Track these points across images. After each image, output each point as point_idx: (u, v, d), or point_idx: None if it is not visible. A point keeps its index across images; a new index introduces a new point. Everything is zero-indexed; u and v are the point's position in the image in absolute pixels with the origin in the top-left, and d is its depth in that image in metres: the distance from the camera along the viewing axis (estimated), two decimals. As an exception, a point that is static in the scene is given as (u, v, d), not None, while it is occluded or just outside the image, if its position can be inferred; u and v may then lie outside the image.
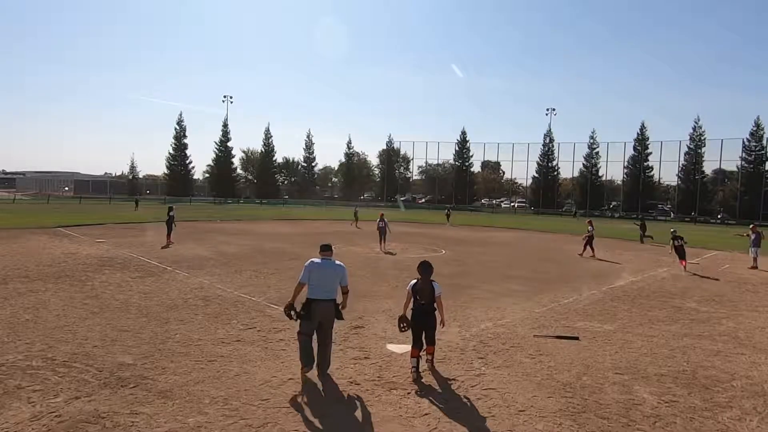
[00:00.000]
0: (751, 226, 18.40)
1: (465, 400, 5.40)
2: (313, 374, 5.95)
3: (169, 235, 19.11)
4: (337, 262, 6.25)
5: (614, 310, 9.99)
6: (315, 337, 5.99)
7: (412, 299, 6.09)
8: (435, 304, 6.05)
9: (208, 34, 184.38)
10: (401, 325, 6.15)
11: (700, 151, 62.11)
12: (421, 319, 6.03)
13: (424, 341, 6.12)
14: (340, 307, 6.08)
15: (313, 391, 5.50)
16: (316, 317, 5.85)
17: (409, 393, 5.53)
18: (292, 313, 5.97)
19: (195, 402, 5.10)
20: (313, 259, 6.13)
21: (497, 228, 34.65)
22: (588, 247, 19.40)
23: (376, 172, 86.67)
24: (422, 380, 5.89)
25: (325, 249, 6.23)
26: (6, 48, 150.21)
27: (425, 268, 6.04)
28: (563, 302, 10.64)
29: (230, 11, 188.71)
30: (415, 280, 6.11)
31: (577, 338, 7.85)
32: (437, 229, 30.12)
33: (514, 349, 7.23)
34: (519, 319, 9.08)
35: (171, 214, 19.58)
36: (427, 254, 18.51)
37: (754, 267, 16.72)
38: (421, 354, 6.14)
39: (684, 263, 16.04)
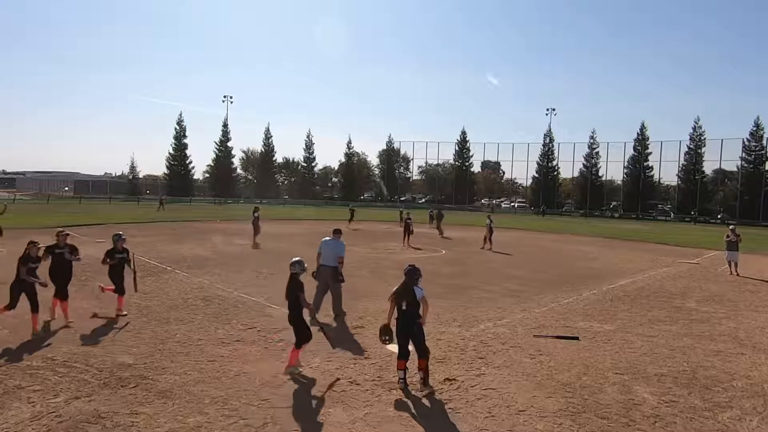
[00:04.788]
0: (731, 227, 16.65)
1: (465, 400, 5.41)
2: (314, 373, 5.97)
3: (256, 235, 20.00)
4: (340, 240, 8.71)
5: (614, 310, 9.99)
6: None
7: (396, 307, 5.73)
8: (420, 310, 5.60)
9: (208, 34, 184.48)
10: (383, 338, 5.83)
11: (700, 151, 61.98)
12: (406, 327, 5.59)
13: (415, 352, 5.62)
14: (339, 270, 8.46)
15: (313, 391, 5.51)
16: (323, 278, 8.46)
17: (409, 393, 5.54)
18: (315, 275, 8.40)
19: (195, 402, 5.10)
20: (325, 238, 8.77)
21: (498, 228, 34.58)
22: (487, 240, 20.57)
23: (376, 172, 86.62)
24: (410, 390, 5.59)
25: (336, 232, 8.87)
26: (6, 48, 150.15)
27: (408, 273, 5.72)
28: (563, 302, 10.64)
29: (230, 11, 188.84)
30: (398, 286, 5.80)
31: (577, 338, 7.85)
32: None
33: (514, 349, 7.23)
34: (519, 319, 9.09)
35: (256, 215, 20.45)
36: (427, 254, 18.52)
37: (733, 273, 15.24)
38: (408, 366, 5.68)
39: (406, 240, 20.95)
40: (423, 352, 5.59)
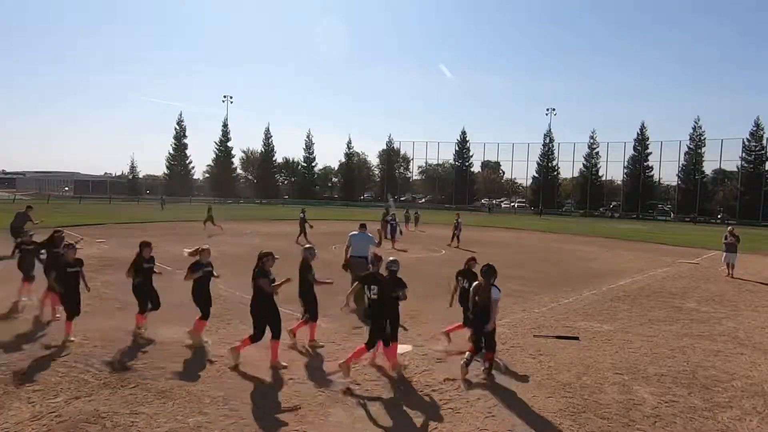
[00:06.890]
0: (729, 228, 16.16)
1: (465, 400, 5.41)
2: (314, 373, 5.97)
3: (304, 234, 20.68)
4: (368, 234, 9.69)
5: (614, 310, 9.99)
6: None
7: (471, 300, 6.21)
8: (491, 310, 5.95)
9: (208, 34, 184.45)
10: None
11: (700, 151, 62.08)
12: (475, 322, 6.11)
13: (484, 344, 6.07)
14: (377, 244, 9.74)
15: (313, 392, 5.51)
16: (355, 268, 9.01)
17: (409, 393, 5.54)
18: (346, 267, 9.41)
19: (195, 402, 5.10)
20: (352, 232, 9.77)
21: (497, 228, 34.66)
22: (455, 238, 21.37)
23: (376, 172, 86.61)
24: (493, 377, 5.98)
25: (362, 226, 10.01)
26: (6, 48, 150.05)
27: (484, 273, 6.10)
28: (563, 302, 10.64)
29: (230, 11, 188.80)
30: (477, 282, 6.26)
31: (577, 338, 7.86)
32: (437, 229, 30.10)
33: (514, 349, 7.23)
34: (519, 319, 9.09)
35: (302, 215, 21.24)
36: (427, 254, 18.53)
37: (730, 275, 14.88)
38: (477, 358, 6.12)
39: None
40: (490, 346, 6.06)
